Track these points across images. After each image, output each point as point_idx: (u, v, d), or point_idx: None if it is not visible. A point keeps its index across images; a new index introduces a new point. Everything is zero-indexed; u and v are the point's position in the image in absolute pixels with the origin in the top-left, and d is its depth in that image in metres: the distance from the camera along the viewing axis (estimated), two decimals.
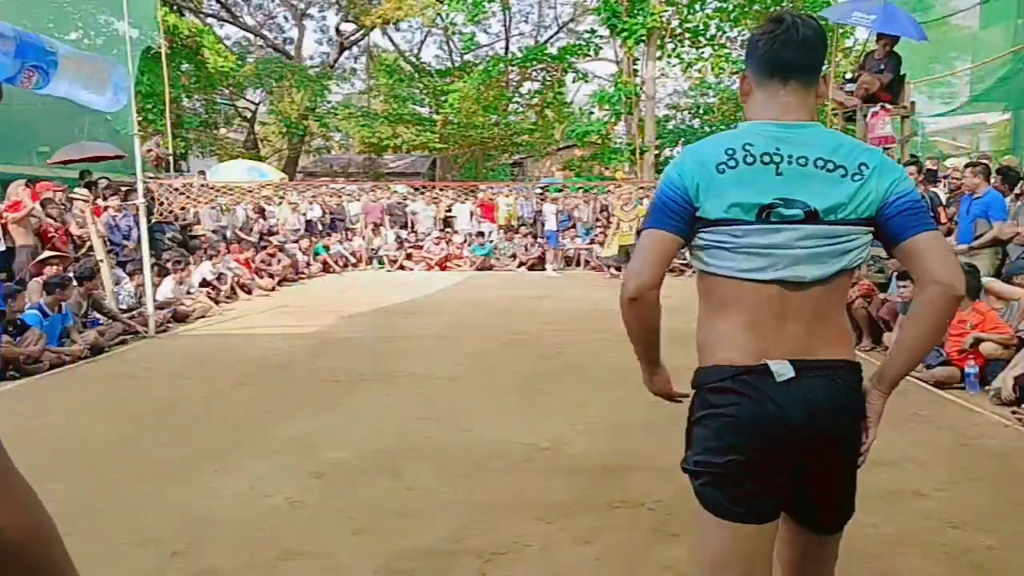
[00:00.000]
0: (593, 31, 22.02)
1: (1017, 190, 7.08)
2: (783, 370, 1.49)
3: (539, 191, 17.87)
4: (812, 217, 1.50)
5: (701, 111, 26.17)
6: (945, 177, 8.57)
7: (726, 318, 1.55)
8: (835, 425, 1.52)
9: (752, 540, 1.53)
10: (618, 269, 12.96)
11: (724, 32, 21.33)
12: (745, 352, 1.52)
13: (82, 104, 5.31)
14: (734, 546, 1.53)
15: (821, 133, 1.57)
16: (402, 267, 15.28)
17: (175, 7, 21.38)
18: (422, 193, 17.70)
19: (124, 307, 8.28)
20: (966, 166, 7.55)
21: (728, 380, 1.52)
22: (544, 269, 15.00)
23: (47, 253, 7.74)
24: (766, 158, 1.53)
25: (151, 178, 10.52)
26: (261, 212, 14.44)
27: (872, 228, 1.56)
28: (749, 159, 1.53)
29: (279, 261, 12.84)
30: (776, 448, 1.50)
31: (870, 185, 1.52)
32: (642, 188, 14.76)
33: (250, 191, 15.28)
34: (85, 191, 9.46)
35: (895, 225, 1.53)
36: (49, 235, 8.53)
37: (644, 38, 18.95)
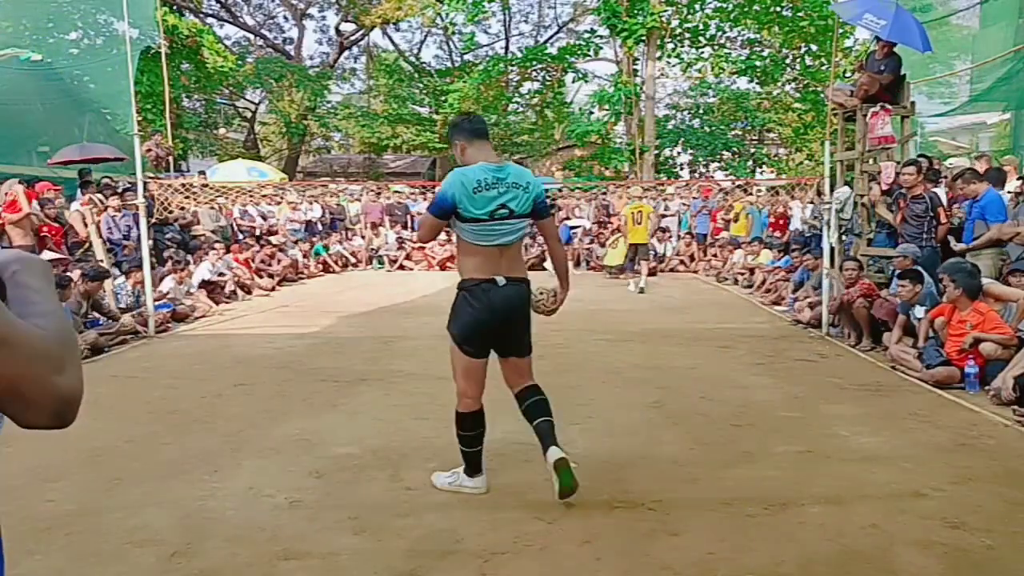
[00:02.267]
0: (593, 31, 22.03)
1: (1016, 190, 7.06)
2: (501, 280, 3.20)
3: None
4: (511, 214, 3.17)
5: (701, 111, 26.10)
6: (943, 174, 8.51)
7: (474, 259, 3.21)
8: (519, 305, 3.29)
9: (478, 365, 3.31)
10: (620, 271, 13.00)
11: (724, 32, 21.34)
12: (484, 273, 3.20)
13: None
14: (472, 367, 3.30)
15: (511, 167, 3.26)
16: (402, 267, 15.26)
17: (175, 7, 21.37)
18: (423, 193, 17.68)
19: (123, 307, 8.27)
20: (954, 178, 7.50)
21: (476, 285, 3.20)
22: (544, 269, 14.97)
23: (48, 255, 7.73)
24: (492, 185, 3.14)
25: (151, 178, 10.50)
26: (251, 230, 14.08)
27: (531, 218, 3.29)
28: (485, 186, 3.13)
29: (279, 261, 12.82)
30: (496, 317, 3.21)
31: (529, 195, 3.23)
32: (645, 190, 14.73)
33: (250, 191, 15.25)
34: (100, 196, 9.45)
35: (537, 213, 3.30)
36: (43, 234, 8.52)
37: (644, 38, 18.96)
